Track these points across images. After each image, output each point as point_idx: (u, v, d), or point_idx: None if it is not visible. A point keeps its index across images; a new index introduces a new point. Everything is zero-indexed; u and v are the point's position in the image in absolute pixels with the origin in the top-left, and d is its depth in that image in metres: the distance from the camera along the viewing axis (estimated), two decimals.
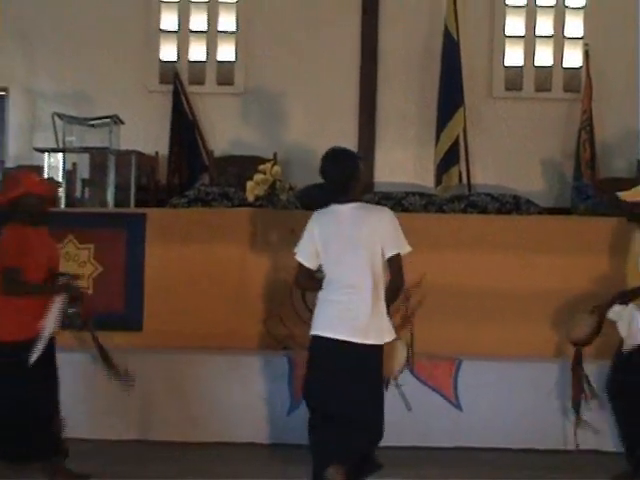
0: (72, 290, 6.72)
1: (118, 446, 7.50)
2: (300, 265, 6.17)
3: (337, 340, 5.93)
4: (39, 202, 6.79)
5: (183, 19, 12.60)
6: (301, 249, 6.17)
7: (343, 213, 6.08)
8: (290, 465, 7.44)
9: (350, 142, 11.64)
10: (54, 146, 10.47)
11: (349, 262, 5.99)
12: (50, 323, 6.50)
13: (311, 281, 6.32)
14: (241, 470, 7.40)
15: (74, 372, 7.65)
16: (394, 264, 6.08)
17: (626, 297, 7.20)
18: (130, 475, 7.10)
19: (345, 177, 6.13)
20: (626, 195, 7.50)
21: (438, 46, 11.87)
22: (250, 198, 8.96)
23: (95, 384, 7.73)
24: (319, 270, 6.22)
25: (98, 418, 8.01)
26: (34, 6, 12.35)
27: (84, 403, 7.96)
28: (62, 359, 6.94)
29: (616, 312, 7.13)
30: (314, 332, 6.06)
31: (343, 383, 5.96)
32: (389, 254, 6.06)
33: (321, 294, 6.12)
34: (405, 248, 6.09)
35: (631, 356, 7.04)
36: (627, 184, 11.01)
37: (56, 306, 6.53)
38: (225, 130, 12.32)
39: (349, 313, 5.94)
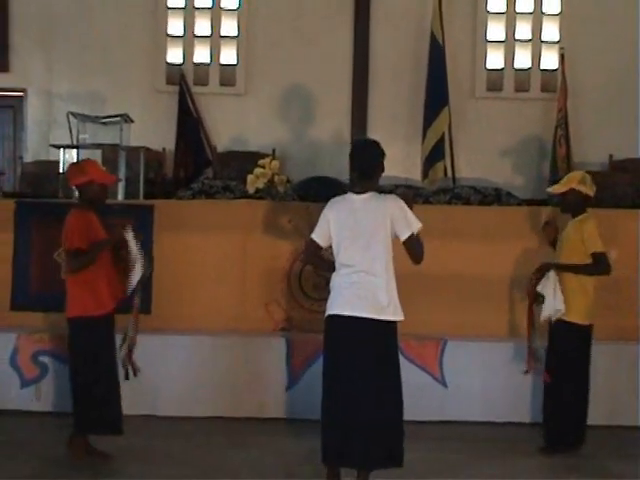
0: (135, 234, 6.86)
1: (129, 420, 7.51)
2: (311, 241, 6.21)
3: (356, 317, 5.92)
4: (101, 190, 6.91)
5: (188, 25, 12.57)
6: (315, 230, 6.22)
7: (356, 202, 6.10)
8: (289, 437, 7.49)
9: (343, 139, 11.70)
10: (69, 143, 10.44)
11: (362, 247, 5.99)
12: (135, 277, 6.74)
13: (317, 258, 6.39)
14: (244, 442, 7.46)
15: None
16: (411, 246, 6.09)
17: (547, 268, 7.29)
18: (141, 447, 7.17)
19: (374, 165, 6.26)
20: (555, 188, 7.56)
21: (425, 50, 11.86)
22: (250, 190, 8.95)
23: None
24: (328, 251, 6.27)
25: None
26: (51, 14, 12.32)
27: None
28: None
29: (542, 285, 7.23)
30: (332, 312, 6.02)
31: (362, 359, 5.93)
32: (403, 237, 6.06)
33: (336, 278, 6.09)
34: (416, 225, 6.09)
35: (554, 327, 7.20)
36: (599, 177, 11.13)
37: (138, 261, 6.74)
38: (227, 128, 12.30)
39: (366, 292, 5.93)
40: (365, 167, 6.22)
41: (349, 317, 5.92)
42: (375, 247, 6.00)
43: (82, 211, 6.81)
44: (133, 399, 7.54)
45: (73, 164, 7.78)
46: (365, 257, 5.98)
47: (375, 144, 6.40)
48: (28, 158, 12.31)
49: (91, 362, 6.70)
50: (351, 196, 6.17)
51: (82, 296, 6.71)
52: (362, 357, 5.88)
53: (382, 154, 6.33)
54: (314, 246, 6.21)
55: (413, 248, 6.08)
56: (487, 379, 8.12)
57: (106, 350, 6.79)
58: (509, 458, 7.15)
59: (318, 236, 6.19)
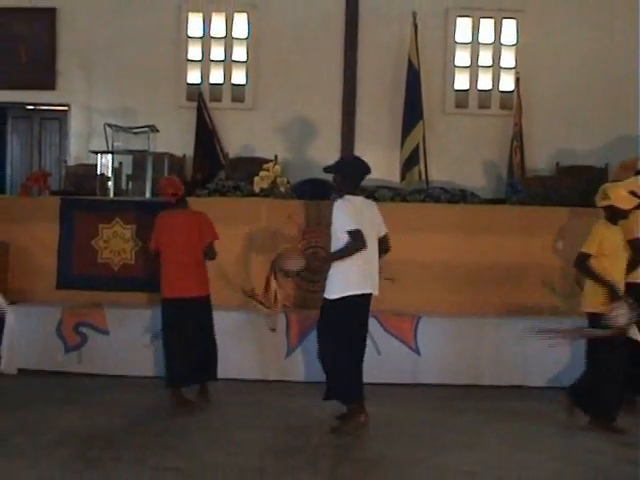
0: None
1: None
2: (357, 231, 6.35)
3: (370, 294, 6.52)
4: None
5: (205, 51, 12.50)
6: (352, 220, 6.37)
7: (359, 202, 6.56)
8: (287, 396, 7.49)
9: (334, 147, 11.69)
10: (105, 149, 10.42)
11: (369, 237, 6.41)
12: None
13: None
14: (250, 399, 7.48)
15: None
16: (386, 240, 6.69)
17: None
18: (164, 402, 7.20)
19: (361, 176, 6.66)
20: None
21: (403, 74, 11.78)
22: (256, 190, 8.95)
23: None
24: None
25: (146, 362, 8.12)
26: (91, 42, 12.23)
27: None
28: None
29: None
30: (353, 292, 6.45)
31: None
32: (382, 234, 6.64)
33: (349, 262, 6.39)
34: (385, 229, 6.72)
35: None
36: (548, 181, 11.18)
37: None
38: (237, 137, 12.25)
39: (371, 274, 6.52)
40: (355, 179, 6.62)
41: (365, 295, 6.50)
42: (374, 237, 6.55)
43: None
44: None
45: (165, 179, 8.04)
46: (371, 245, 6.45)
47: (362, 160, 6.81)
48: (71, 162, 12.26)
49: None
50: (353, 197, 6.54)
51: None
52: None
53: (367, 168, 6.74)
54: (361, 234, 6.36)
55: (387, 242, 6.71)
56: (453, 349, 8.10)
57: None
58: (469, 414, 7.16)
59: (357, 224, 6.36)
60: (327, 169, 6.75)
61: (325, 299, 6.56)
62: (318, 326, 6.69)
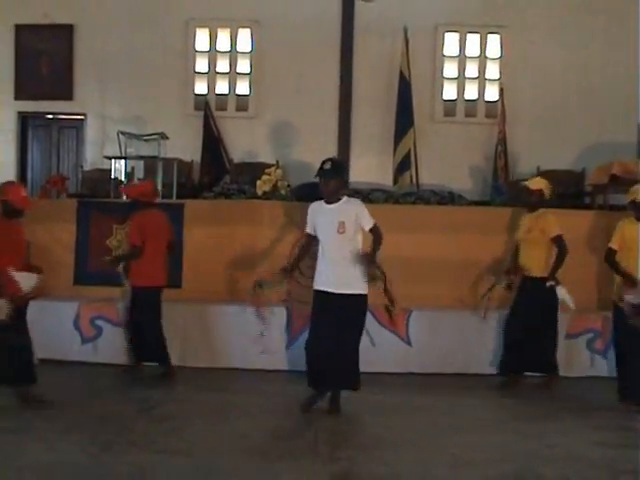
0: None
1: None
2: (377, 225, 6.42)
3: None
4: None
5: (212, 64, 12.54)
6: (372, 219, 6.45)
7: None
8: (289, 384, 7.45)
9: (331, 153, 11.56)
10: (118, 155, 10.42)
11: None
12: None
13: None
14: (253, 387, 7.45)
15: None
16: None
17: None
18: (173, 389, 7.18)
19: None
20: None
21: (395, 85, 11.82)
22: (259, 192, 8.93)
23: None
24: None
25: None
26: (105, 56, 12.28)
27: None
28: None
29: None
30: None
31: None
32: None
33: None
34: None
35: None
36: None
37: None
38: (241, 144, 12.27)
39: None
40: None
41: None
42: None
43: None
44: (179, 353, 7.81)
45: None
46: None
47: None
48: (87, 167, 12.28)
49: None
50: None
51: None
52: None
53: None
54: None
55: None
56: (442, 340, 8.06)
57: None
58: (458, 400, 7.14)
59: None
60: (326, 174, 6.39)
61: (349, 295, 6.32)
62: (324, 319, 6.36)
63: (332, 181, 6.34)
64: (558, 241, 7.41)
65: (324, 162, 6.47)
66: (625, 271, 6.83)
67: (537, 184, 7.68)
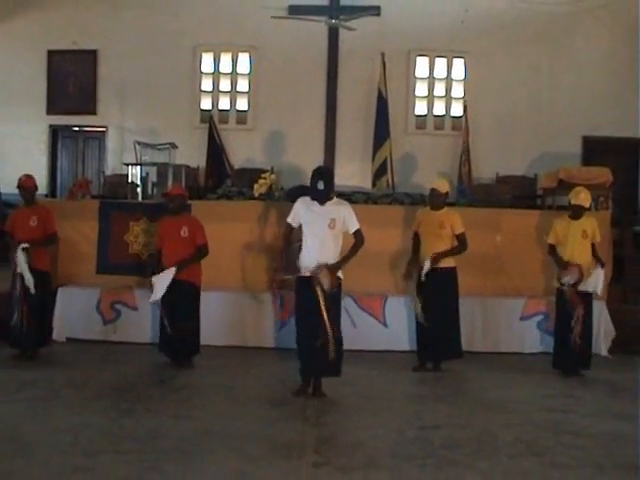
0: None
1: None
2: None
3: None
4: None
5: (215, 84, 12.53)
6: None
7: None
8: (281, 361, 7.45)
9: (319, 160, 11.66)
10: (135, 162, 10.39)
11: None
12: None
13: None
14: (250, 362, 7.46)
15: None
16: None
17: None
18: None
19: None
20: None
21: (374, 101, 11.82)
22: (256, 194, 8.90)
23: None
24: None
25: None
26: (125, 76, 12.28)
27: None
28: None
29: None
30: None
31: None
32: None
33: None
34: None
35: None
36: (489, 188, 11.17)
37: None
38: (241, 152, 12.26)
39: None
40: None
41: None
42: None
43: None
44: None
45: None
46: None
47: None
48: (108, 172, 12.25)
49: None
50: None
51: None
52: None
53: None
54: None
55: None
56: (413, 322, 8.04)
57: None
58: (430, 374, 7.20)
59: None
60: (324, 179, 6.08)
61: None
62: (307, 307, 6.05)
63: (326, 190, 6.06)
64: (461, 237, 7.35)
65: (319, 175, 6.12)
66: (559, 258, 7.20)
67: (444, 187, 7.48)
